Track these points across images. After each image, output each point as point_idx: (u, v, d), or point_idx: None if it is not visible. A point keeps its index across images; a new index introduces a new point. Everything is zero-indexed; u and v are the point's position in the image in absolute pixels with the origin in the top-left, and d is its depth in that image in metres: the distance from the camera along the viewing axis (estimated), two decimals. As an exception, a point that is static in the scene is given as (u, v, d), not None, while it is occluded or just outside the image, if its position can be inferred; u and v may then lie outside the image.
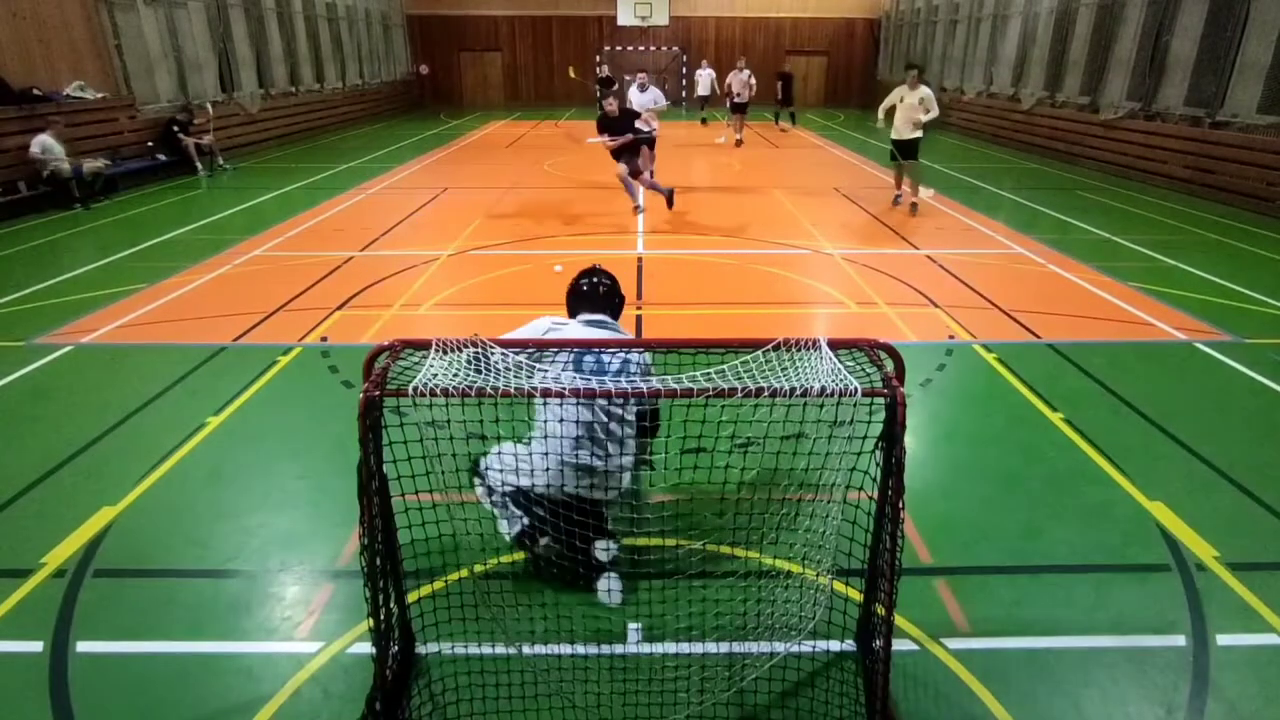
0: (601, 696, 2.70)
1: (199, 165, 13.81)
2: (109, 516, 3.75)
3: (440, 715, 2.65)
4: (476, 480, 3.26)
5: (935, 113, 10.10)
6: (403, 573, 2.66)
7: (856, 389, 2.16)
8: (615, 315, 3.51)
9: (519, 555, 3.40)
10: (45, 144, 10.60)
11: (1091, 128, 15.30)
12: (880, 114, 10.71)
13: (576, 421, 2.94)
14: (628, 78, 28.53)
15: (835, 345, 2.41)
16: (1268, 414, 4.91)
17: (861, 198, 11.83)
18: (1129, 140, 14.11)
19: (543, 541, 3.23)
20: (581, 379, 2.43)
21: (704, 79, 22.31)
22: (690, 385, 2.29)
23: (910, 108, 10.14)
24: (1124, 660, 2.91)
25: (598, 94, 19.74)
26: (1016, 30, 18.73)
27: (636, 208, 10.47)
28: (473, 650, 2.76)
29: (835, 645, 2.88)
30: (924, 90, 10.09)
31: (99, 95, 12.61)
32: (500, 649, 2.85)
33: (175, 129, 13.65)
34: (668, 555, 3.43)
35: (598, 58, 28.86)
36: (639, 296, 7.15)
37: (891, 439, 2.26)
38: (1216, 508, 3.88)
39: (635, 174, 10.25)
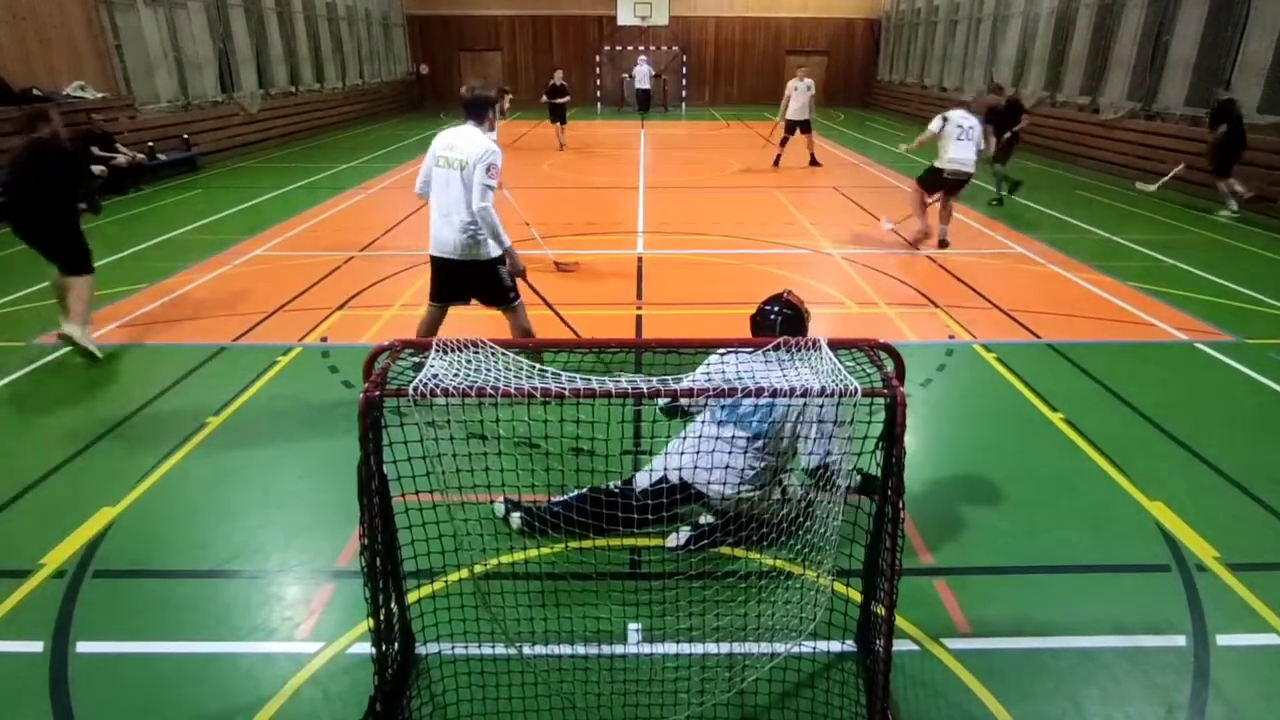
0: (602, 697, 2.70)
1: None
2: (109, 516, 3.75)
3: (440, 715, 2.65)
4: None
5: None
6: (403, 573, 2.66)
7: (856, 389, 2.16)
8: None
9: (519, 555, 3.41)
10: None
11: (1091, 128, 15.29)
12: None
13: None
14: (627, 75, 28.71)
15: (835, 345, 2.42)
16: (1268, 414, 4.91)
17: (861, 197, 11.82)
18: (1129, 140, 14.11)
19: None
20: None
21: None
22: (690, 385, 2.29)
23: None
24: (1124, 660, 2.91)
25: (545, 102, 16.87)
26: (1016, 30, 18.73)
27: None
28: (473, 650, 2.76)
29: (835, 646, 2.88)
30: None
31: (99, 95, 12.61)
32: (500, 649, 2.84)
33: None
34: (668, 556, 3.43)
35: (597, 58, 28.87)
36: (639, 296, 7.15)
37: (891, 439, 2.26)
38: (1216, 508, 3.87)
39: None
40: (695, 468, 3.20)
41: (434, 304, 4.89)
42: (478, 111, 4.57)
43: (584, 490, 3.37)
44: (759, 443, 3.28)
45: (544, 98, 17.04)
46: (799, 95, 13.88)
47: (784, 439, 3.27)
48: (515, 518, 3.54)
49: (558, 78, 16.85)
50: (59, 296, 5.70)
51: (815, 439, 3.17)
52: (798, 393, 2.16)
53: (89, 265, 5.79)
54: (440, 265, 4.71)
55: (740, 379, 2.25)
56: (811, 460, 3.19)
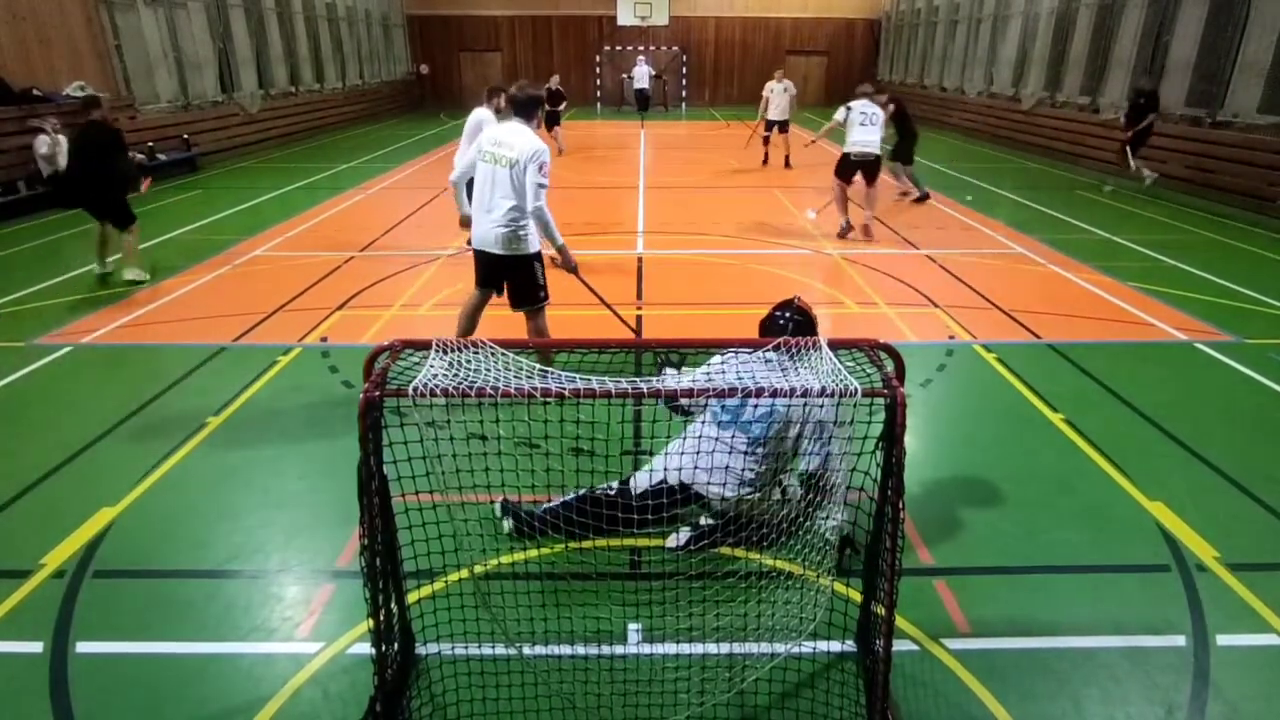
0: (602, 697, 2.70)
1: None
2: (109, 517, 3.75)
3: (440, 715, 2.65)
4: None
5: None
6: (403, 573, 2.66)
7: (856, 389, 2.16)
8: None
9: (519, 555, 3.40)
10: (46, 144, 10.61)
11: (1091, 128, 15.29)
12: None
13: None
14: (626, 76, 28.65)
15: (835, 345, 2.41)
16: (1268, 414, 4.91)
17: (861, 198, 11.80)
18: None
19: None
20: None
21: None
22: (690, 385, 2.29)
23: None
24: (1124, 660, 2.91)
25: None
26: (1016, 30, 18.73)
27: None
28: (473, 651, 2.76)
29: (835, 646, 2.88)
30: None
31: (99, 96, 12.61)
32: (500, 649, 2.84)
33: None
34: (668, 556, 3.43)
35: (597, 58, 28.88)
36: (639, 296, 7.15)
37: (891, 439, 2.26)
38: (1216, 508, 3.87)
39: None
40: (695, 469, 3.19)
41: (479, 289, 5.00)
42: (528, 110, 4.64)
43: (582, 492, 3.37)
44: (760, 446, 3.28)
45: (545, 105, 16.41)
46: (778, 97, 14.09)
47: (786, 440, 3.27)
48: (506, 523, 3.52)
49: (554, 83, 16.15)
50: (101, 244, 7.51)
51: (815, 439, 3.17)
52: (798, 393, 2.16)
53: (132, 218, 7.40)
54: (483, 259, 4.82)
55: (741, 381, 2.25)
56: (811, 463, 3.19)
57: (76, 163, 7.15)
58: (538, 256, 4.80)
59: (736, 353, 2.84)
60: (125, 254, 7.43)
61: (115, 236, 7.43)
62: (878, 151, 9.01)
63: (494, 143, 4.59)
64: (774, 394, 2.16)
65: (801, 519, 2.94)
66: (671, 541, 3.44)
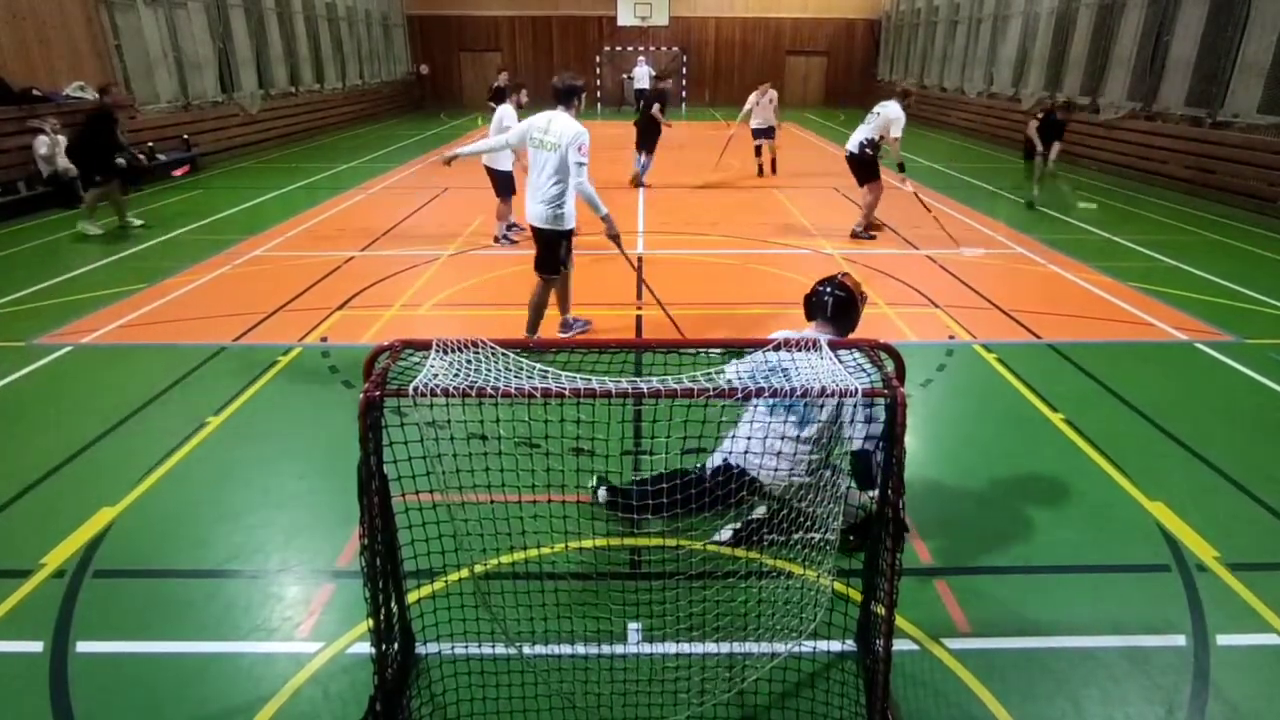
0: (602, 697, 2.70)
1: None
2: (109, 516, 3.75)
3: (440, 715, 2.65)
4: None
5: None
6: (403, 573, 2.66)
7: (856, 389, 2.16)
8: (843, 330, 3.54)
9: (519, 555, 3.40)
10: (46, 144, 10.61)
11: (1091, 128, 15.29)
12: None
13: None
14: (626, 76, 28.68)
15: (835, 345, 2.42)
16: (1268, 414, 4.91)
17: (861, 198, 11.79)
18: (1129, 140, 14.11)
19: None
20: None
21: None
22: (690, 385, 2.29)
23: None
24: (1124, 660, 2.91)
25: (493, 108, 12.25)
26: (1016, 30, 18.74)
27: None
28: (473, 650, 2.76)
29: (835, 645, 2.88)
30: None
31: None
32: (500, 649, 2.85)
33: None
34: (668, 555, 3.43)
35: (597, 58, 28.88)
36: (639, 296, 7.15)
37: (891, 439, 2.26)
38: (1217, 508, 3.87)
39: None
40: (747, 453, 3.20)
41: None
42: (567, 98, 5.25)
43: (671, 470, 3.36)
44: (808, 427, 3.25)
45: (490, 103, 13.36)
46: (762, 109, 13.78)
47: (836, 417, 3.23)
48: (601, 492, 3.62)
49: (501, 79, 13.49)
50: (118, 209, 9.61)
51: (859, 422, 3.12)
52: (798, 392, 2.16)
53: (96, 184, 9.25)
54: (533, 233, 5.52)
55: (781, 368, 2.25)
56: (853, 444, 3.15)
57: (85, 140, 9.08)
58: (568, 235, 5.43)
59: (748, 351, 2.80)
60: (121, 209, 9.54)
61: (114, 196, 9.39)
62: (850, 149, 9.13)
63: (543, 130, 5.23)
64: (773, 394, 2.16)
65: (833, 504, 2.87)
66: (726, 534, 3.45)
